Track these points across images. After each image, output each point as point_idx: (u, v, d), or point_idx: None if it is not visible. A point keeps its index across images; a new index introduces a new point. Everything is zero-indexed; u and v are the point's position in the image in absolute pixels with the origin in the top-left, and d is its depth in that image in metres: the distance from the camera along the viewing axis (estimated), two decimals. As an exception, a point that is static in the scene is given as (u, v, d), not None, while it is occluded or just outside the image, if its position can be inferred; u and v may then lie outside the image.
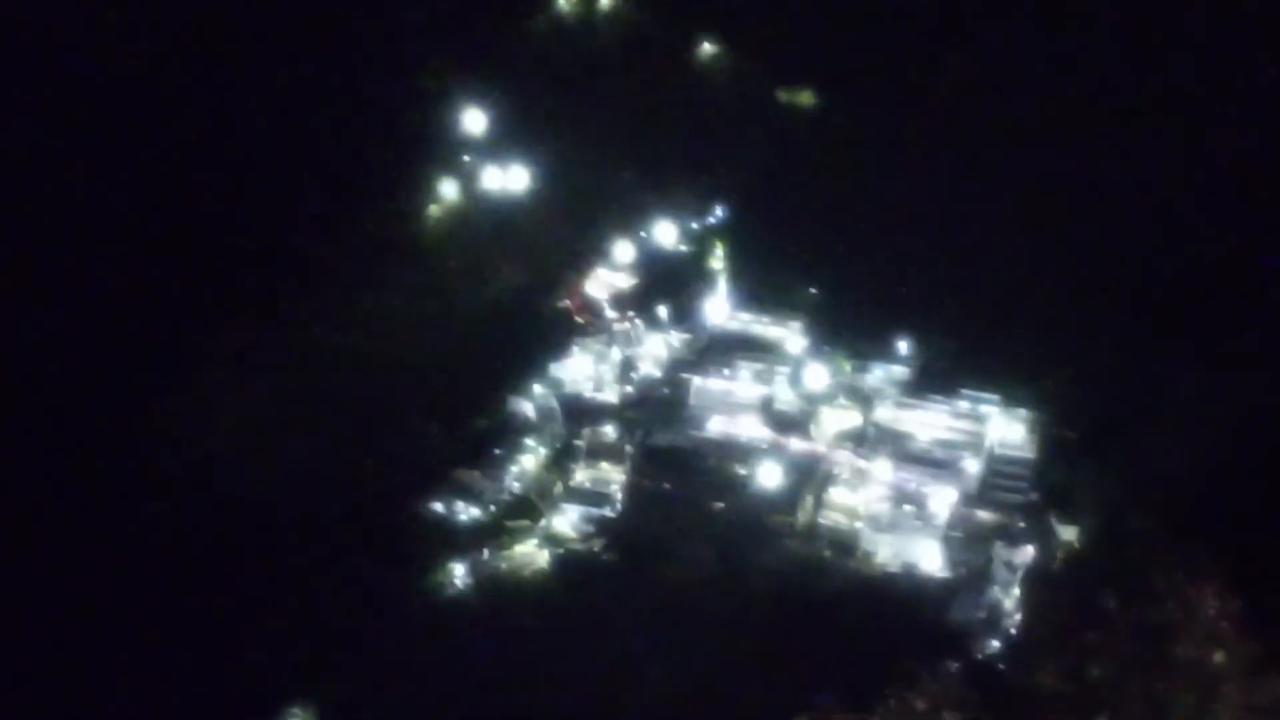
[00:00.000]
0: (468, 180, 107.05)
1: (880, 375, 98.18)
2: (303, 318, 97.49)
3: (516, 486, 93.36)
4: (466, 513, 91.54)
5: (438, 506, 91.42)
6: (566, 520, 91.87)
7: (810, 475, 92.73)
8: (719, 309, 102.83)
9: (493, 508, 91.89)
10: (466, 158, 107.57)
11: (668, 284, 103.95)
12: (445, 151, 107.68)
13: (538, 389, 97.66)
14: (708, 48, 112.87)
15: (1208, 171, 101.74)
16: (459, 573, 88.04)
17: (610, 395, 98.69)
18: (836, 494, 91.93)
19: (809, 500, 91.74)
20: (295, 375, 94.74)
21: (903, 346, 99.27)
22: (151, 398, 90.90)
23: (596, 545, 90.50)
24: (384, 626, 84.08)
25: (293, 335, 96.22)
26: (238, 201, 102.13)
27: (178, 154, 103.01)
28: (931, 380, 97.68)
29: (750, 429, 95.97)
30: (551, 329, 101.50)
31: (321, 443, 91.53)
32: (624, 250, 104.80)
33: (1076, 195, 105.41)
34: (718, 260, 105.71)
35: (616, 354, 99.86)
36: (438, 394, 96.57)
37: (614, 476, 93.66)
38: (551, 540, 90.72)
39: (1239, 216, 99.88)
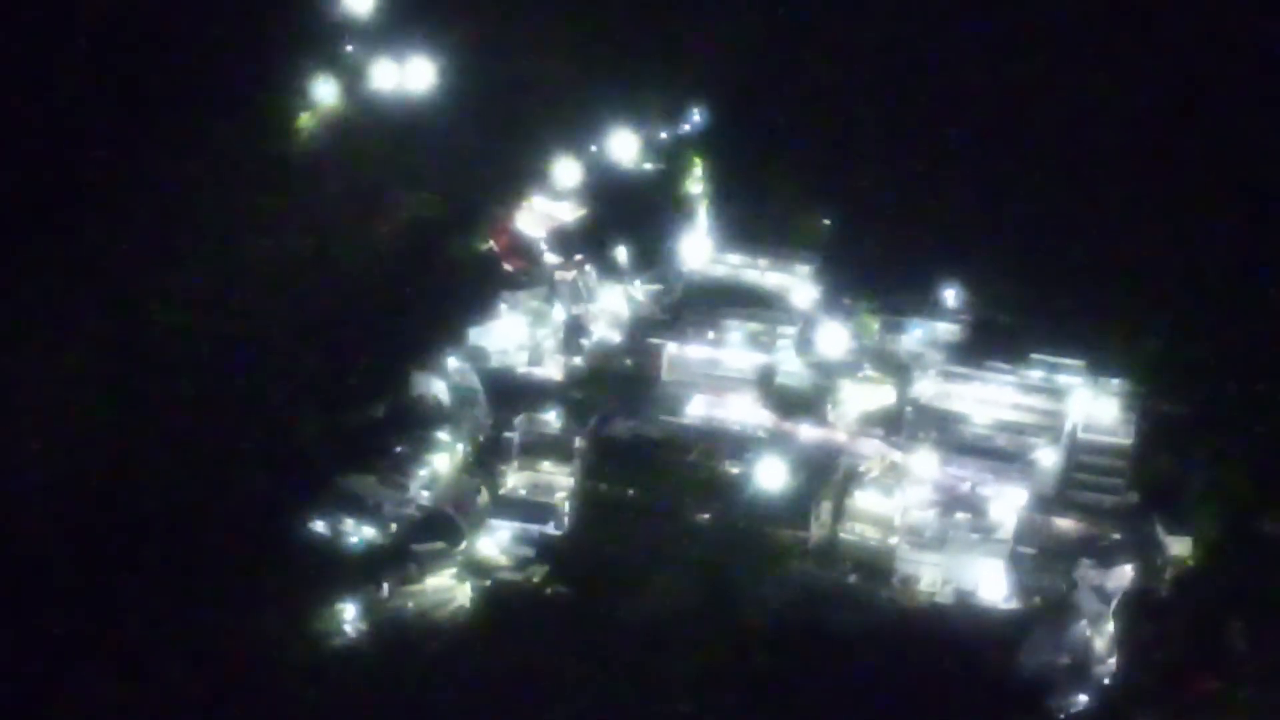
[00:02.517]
0: (351, 77, 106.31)
1: (920, 336, 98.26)
2: (119, 274, 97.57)
3: (426, 497, 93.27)
4: (359, 533, 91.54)
5: (319, 526, 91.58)
6: (494, 541, 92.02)
7: (827, 474, 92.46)
8: (699, 249, 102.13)
9: (395, 526, 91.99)
10: (349, 47, 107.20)
11: (628, 216, 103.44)
12: (319, 39, 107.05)
13: (452, 363, 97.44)
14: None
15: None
16: (350, 614, 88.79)
17: (551, 369, 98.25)
18: (863, 499, 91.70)
19: (825, 508, 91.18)
20: (109, 351, 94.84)
21: (950, 296, 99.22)
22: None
23: (536, 575, 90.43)
24: (246, 690, 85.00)
25: (106, 299, 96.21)
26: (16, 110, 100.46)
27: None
28: (990, 342, 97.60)
29: (744, 412, 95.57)
30: (470, 280, 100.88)
31: (152, 443, 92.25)
32: (567, 171, 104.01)
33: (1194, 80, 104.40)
34: (695, 182, 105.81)
35: (559, 313, 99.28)
36: (315, 372, 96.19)
37: (558, 481, 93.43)
38: (475, 569, 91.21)
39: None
